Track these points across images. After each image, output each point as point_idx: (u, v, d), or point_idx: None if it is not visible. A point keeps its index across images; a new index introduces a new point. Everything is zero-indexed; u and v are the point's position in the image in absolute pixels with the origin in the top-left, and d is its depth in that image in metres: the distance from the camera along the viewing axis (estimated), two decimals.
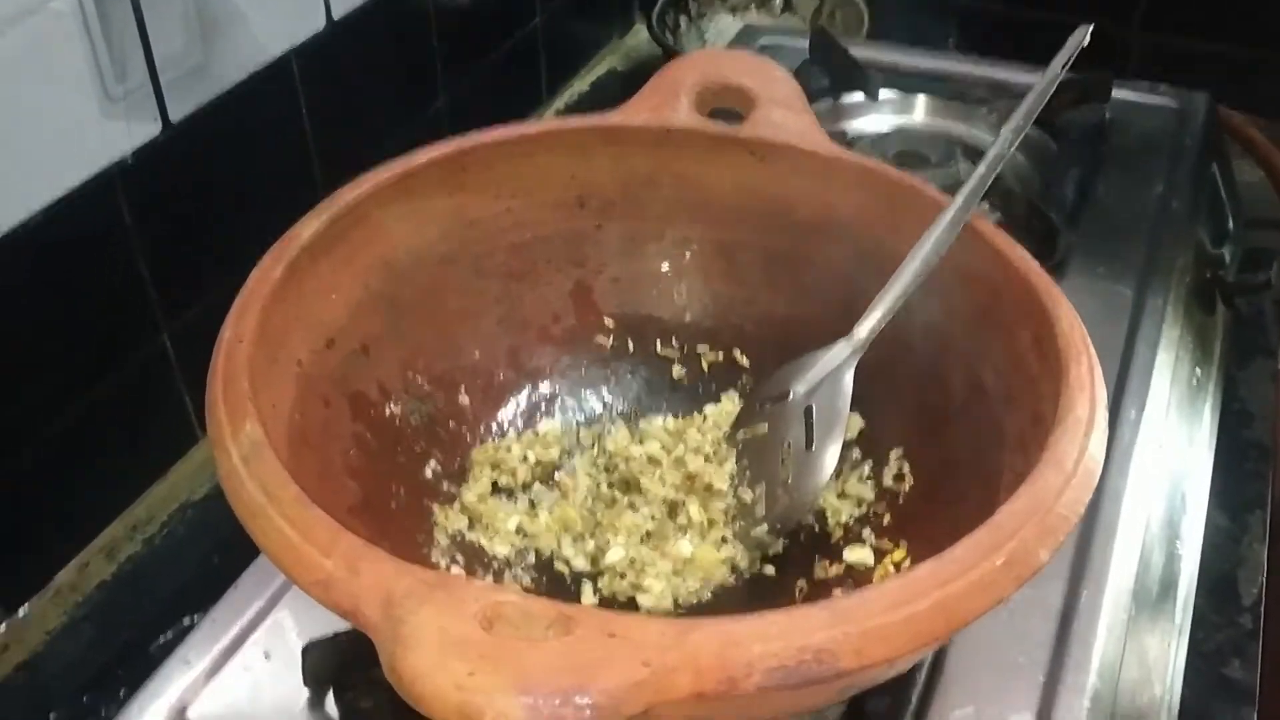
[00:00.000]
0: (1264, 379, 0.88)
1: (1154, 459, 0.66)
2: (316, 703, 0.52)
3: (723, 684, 0.34)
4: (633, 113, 0.59)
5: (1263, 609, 0.71)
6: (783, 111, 0.58)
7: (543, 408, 0.60)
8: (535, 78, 1.08)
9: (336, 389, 0.51)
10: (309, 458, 0.47)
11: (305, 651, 0.52)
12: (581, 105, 1.11)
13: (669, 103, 0.59)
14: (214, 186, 0.70)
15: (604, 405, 0.61)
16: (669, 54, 1.14)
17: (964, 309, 0.52)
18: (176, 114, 0.66)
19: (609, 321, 0.61)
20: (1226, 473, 0.77)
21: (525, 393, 0.59)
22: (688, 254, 0.61)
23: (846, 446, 0.56)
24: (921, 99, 0.92)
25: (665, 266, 0.61)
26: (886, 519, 0.53)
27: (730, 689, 0.34)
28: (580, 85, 1.15)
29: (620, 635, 0.33)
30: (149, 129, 0.65)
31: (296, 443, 0.47)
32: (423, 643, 0.32)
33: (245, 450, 0.40)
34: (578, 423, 0.60)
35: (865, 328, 0.53)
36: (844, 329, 0.56)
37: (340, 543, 0.37)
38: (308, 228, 0.51)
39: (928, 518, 0.51)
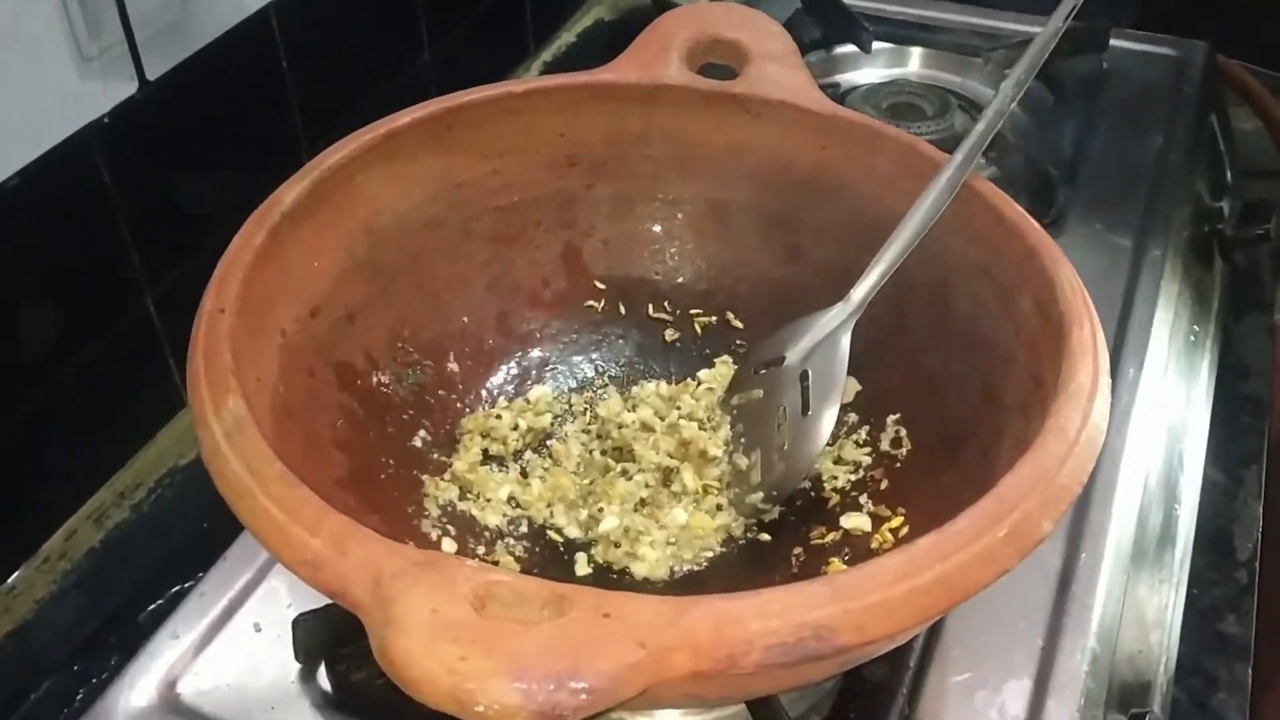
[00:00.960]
0: (1259, 332, 0.88)
1: (1152, 417, 0.66)
2: (308, 675, 0.52)
3: (721, 662, 0.33)
4: (622, 69, 0.57)
5: (1258, 564, 0.71)
6: (776, 67, 0.57)
7: (533, 374, 0.59)
8: (522, 29, 1.05)
9: (322, 359, 0.50)
10: (294, 430, 0.46)
11: (295, 624, 0.51)
12: (569, 56, 1.09)
13: (659, 58, 0.57)
14: (195, 145, 0.68)
15: (596, 370, 0.60)
16: (658, 3, 1.12)
17: (962, 270, 0.51)
18: (154, 72, 0.64)
19: (600, 285, 0.60)
20: (1222, 428, 0.76)
21: (515, 359, 0.58)
22: (680, 214, 0.60)
23: (843, 410, 0.55)
24: (916, 51, 0.90)
25: (657, 228, 0.60)
26: (884, 484, 0.52)
27: (729, 667, 0.33)
28: (568, 36, 1.13)
29: (615, 615, 0.32)
30: (126, 88, 0.63)
31: (281, 415, 0.46)
32: (413, 626, 0.31)
33: (228, 427, 0.39)
34: (569, 389, 0.59)
35: (861, 291, 0.52)
36: (840, 290, 0.55)
37: (327, 522, 0.36)
38: (290, 192, 0.49)
39: (926, 483, 0.50)
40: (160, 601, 0.62)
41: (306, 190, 0.49)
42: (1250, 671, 0.65)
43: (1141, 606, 0.60)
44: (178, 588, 0.61)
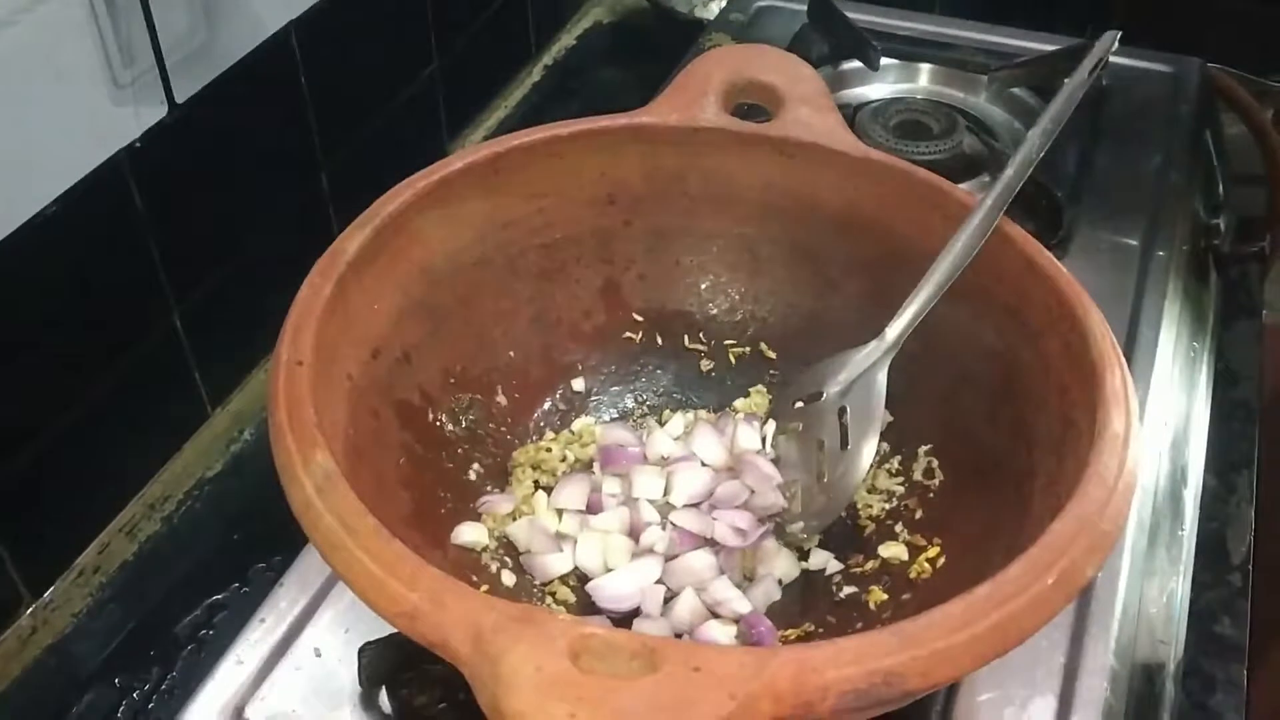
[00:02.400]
0: (1249, 339, 0.91)
1: (1159, 432, 0.69)
2: (370, 700, 0.54)
3: (800, 708, 0.36)
4: (662, 110, 0.59)
5: (1251, 567, 0.74)
6: (809, 110, 0.59)
7: (576, 405, 0.61)
8: (523, 32, 1.07)
9: (383, 399, 0.52)
10: (365, 472, 0.48)
11: (361, 652, 0.53)
12: (569, 59, 1.11)
13: (697, 100, 0.59)
14: (218, 163, 0.70)
15: (635, 400, 0.62)
16: (654, 5, 1.13)
17: (993, 312, 0.54)
18: (182, 95, 0.66)
19: (638, 317, 0.62)
20: (1215, 433, 0.79)
21: (559, 390, 0.61)
22: (714, 249, 0.62)
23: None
24: (924, 68, 0.92)
25: (692, 261, 0.62)
26: (918, 514, 0.55)
27: (807, 712, 0.36)
28: (567, 39, 1.14)
29: (705, 669, 0.35)
30: (156, 112, 0.64)
31: (353, 458, 0.48)
32: (522, 683, 0.34)
33: (319, 481, 0.41)
34: (611, 419, 0.61)
35: (896, 329, 0.54)
36: (869, 323, 0.57)
37: (424, 576, 0.38)
38: (353, 241, 0.51)
39: (960, 514, 0.53)
40: (197, 612, 0.64)
41: (369, 237, 0.51)
42: (1245, 672, 0.68)
43: (1151, 619, 0.63)
44: (213, 598, 0.63)
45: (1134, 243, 0.79)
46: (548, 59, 1.11)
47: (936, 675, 0.37)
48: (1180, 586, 0.69)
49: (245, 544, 0.68)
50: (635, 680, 0.34)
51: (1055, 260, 0.52)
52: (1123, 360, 0.48)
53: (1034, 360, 0.52)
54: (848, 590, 0.53)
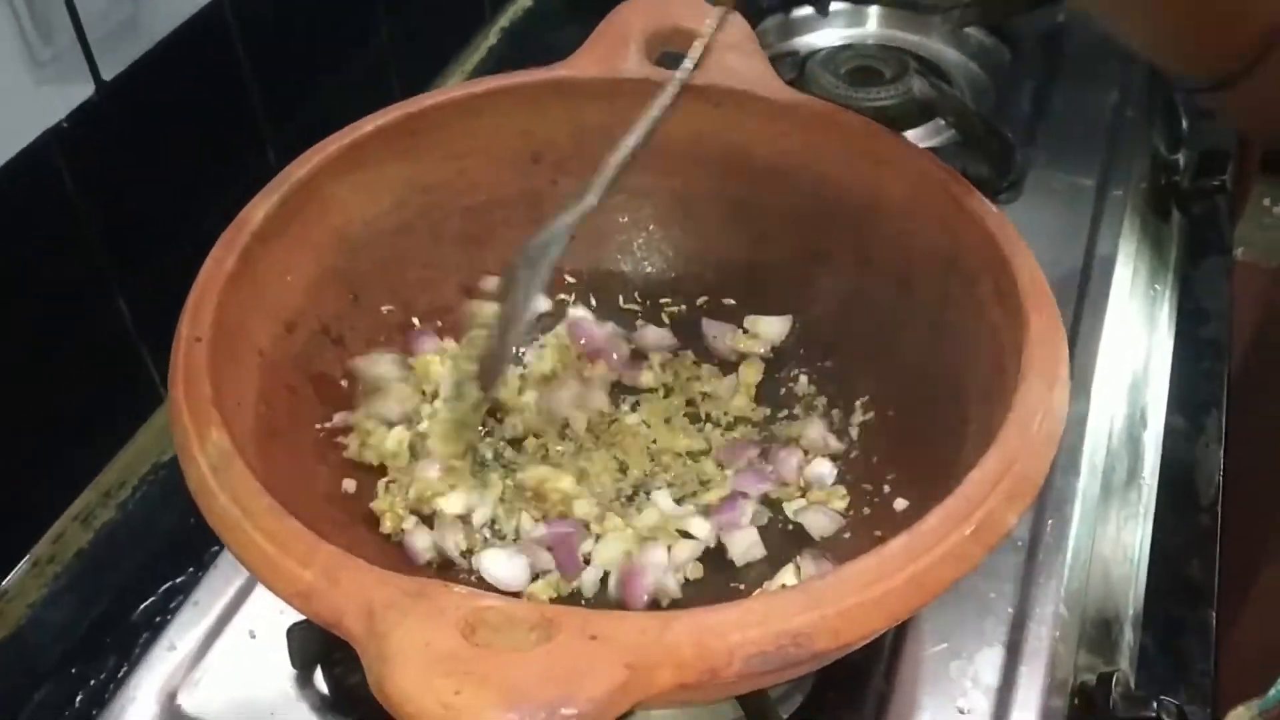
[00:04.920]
0: (1219, 276, 0.89)
1: (1115, 375, 0.67)
2: (305, 680, 0.53)
3: (704, 674, 0.34)
4: (581, 64, 0.58)
5: (1219, 508, 0.73)
6: (735, 55, 0.57)
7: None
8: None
9: (300, 373, 0.51)
10: (279, 450, 0.47)
11: (290, 633, 0.52)
12: (525, 23, 1.09)
13: (618, 51, 0.58)
14: (157, 142, 0.68)
15: None
16: None
17: (928, 257, 0.52)
18: (109, 72, 0.64)
19: (570, 279, 0.61)
20: (1183, 374, 0.78)
21: None
22: (646, 206, 0.61)
23: (811, 394, 0.56)
24: (873, 11, 0.90)
25: (624, 219, 0.61)
26: (859, 465, 0.54)
27: (712, 678, 0.35)
28: (523, 1, 1.12)
29: (602, 637, 0.34)
30: (82, 90, 0.63)
31: (264, 436, 0.46)
32: (408, 660, 0.33)
33: (213, 460, 0.40)
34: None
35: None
36: (805, 275, 0.56)
37: (319, 553, 0.37)
38: (258, 210, 0.50)
39: (900, 464, 0.52)
40: (153, 598, 0.63)
41: (276, 206, 0.50)
42: (1214, 614, 0.67)
43: (1108, 562, 0.62)
44: (169, 584, 0.62)
45: (1089, 182, 0.77)
46: (504, 22, 1.09)
47: (848, 634, 0.36)
48: (1140, 530, 0.68)
49: (201, 528, 0.65)
50: (528, 652, 0.33)
51: (986, 201, 0.50)
52: (1052, 302, 0.46)
53: (968, 304, 0.50)
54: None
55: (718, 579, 0.52)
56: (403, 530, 0.51)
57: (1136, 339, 0.73)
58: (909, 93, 0.81)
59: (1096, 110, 0.83)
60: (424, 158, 0.56)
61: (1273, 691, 0.72)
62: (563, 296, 0.61)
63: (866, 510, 0.52)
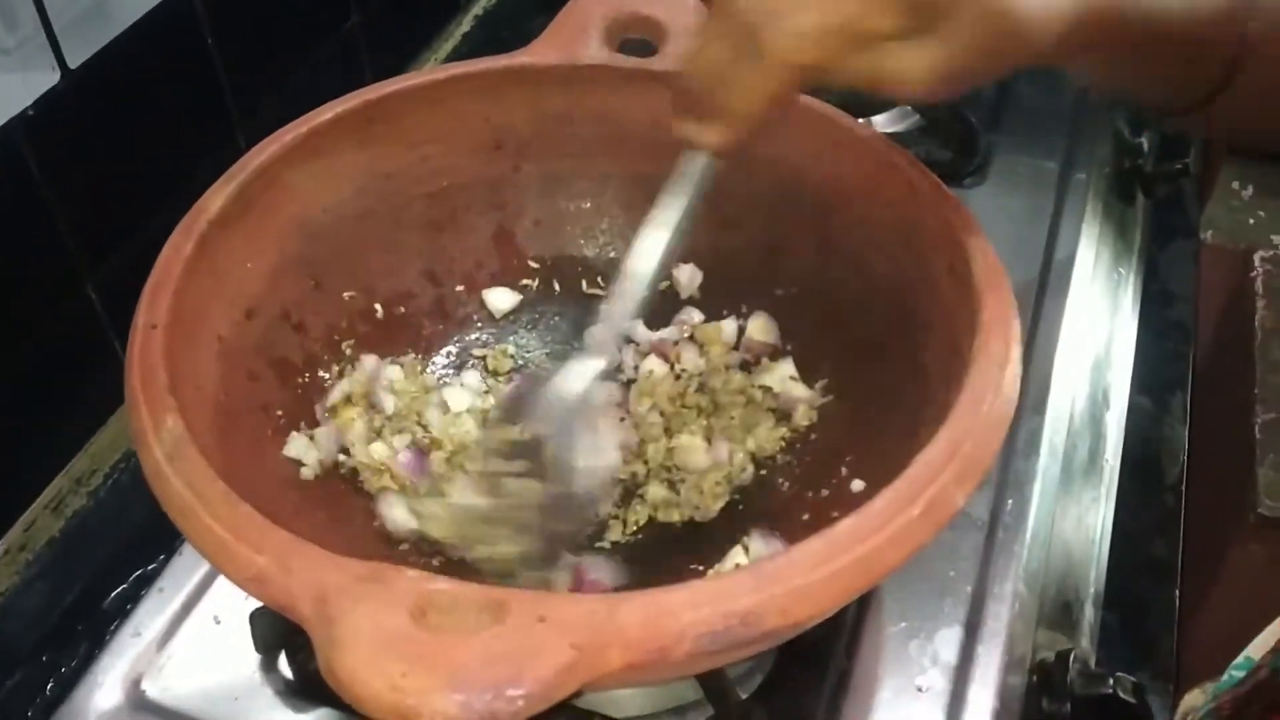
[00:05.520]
0: (1185, 259, 0.90)
1: (1076, 357, 0.68)
2: (269, 665, 0.53)
3: (654, 654, 0.35)
4: (542, 50, 0.58)
5: (1184, 487, 0.74)
6: None
7: (473, 357, 0.60)
8: None
9: (261, 360, 0.51)
10: (238, 435, 0.47)
11: (253, 618, 0.53)
12: (499, 10, 1.08)
13: (578, 38, 0.58)
14: (125, 130, 0.68)
15: (533, 349, 0.61)
16: None
17: (884, 238, 0.53)
18: (75, 59, 0.64)
19: (533, 264, 0.61)
20: (1148, 355, 0.78)
21: (453, 344, 0.59)
22: (608, 190, 0.61)
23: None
24: None
25: (586, 205, 0.61)
26: (818, 447, 0.54)
27: (661, 658, 0.35)
28: None
29: (550, 619, 0.34)
30: (47, 78, 0.62)
31: (224, 421, 0.47)
32: (356, 643, 0.33)
33: (168, 448, 0.40)
34: (510, 368, 0.60)
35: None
36: (767, 261, 0.56)
37: (271, 539, 0.37)
38: (215, 198, 0.50)
39: (860, 446, 0.52)
40: (124, 585, 0.63)
41: (233, 194, 0.50)
42: (1178, 594, 0.68)
43: (1069, 541, 0.63)
44: (140, 571, 0.62)
45: (1053, 166, 0.78)
46: (477, 9, 1.09)
47: (796, 614, 0.36)
48: (1103, 510, 0.68)
49: None
50: (476, 634, 0.33)
51: (941, 185, 0.51)
52: (1006, 284, 0.47)
53: (924, 287, 0.50)
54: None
55: (677, 562, 0.52)
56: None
57: (1099, 321, 0.74)
58: None
59: (1059, 95, 0.84)
60: (384, 145, 0.56)
61: (1226, 676, 0.73)
62: (526, 282, 0.61)
63: (825, 492, 0.52)
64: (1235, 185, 0.95)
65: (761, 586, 0.36)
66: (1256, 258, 0.97)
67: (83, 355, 0.68)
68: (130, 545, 0.65)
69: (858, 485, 0.51)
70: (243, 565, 0.37)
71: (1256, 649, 0.72)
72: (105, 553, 0.66)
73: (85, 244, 0.66)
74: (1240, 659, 0.73)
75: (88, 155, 0.65)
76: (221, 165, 0.55)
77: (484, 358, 0.60)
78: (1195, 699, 0.71)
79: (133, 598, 0.61)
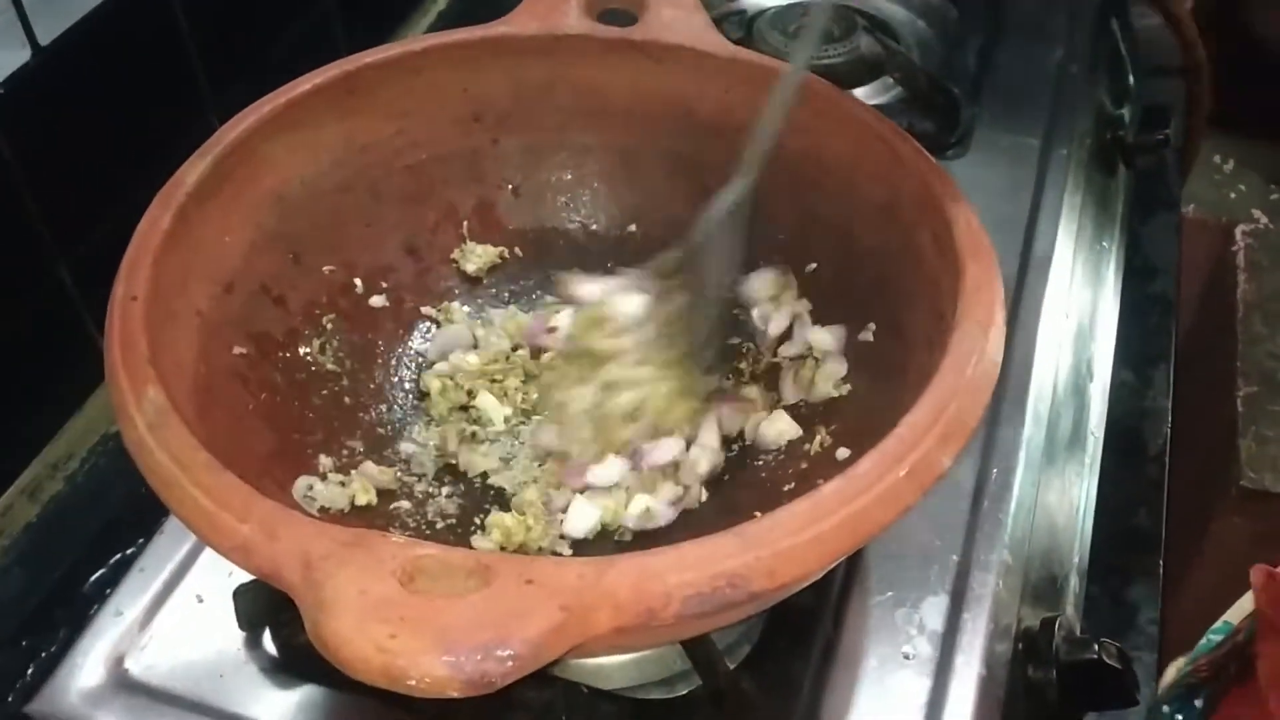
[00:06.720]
0: (1167, 232, 0.90)
1: (1059, 327, 0.68)
2: (253, 642, 0.53)
3: (641, 616, 0.35)
4: (521, 21, 0.57)
5: (1168, 459, 0.74)
6: (674, 11, 0.57)
7: (453, 331, 0.59)
8: None
9: (240, 334, 0.50)
10: (217, 409, 0.47)
11: (236, 595, 0.52)
12: None
13: (558, 7, 0.57)
14: (97, 107, 0.67)
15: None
16: None
17: (866, 208, 0.53)
18: (46, 36, 0.63)
19: (514, 236, 0.61)
20: (1131, 328, 0.79)
21: (438, 316, 0.59)
22: (589, 162, 0.60)
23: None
24: None
25: (568, 176, 0.61)
26: (801, 410, 0.54)
27: (649, 620, 0.35)
28: None
29: (538, 581, 0.34)
30: (18, 55, 0.62)
31: (203, 395, 0.46)
32: (343, 607, 0.33)
33: (150, 418, 0.40)
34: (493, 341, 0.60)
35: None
36: (750, 228, 0.56)
37: (256, 507, 0.37)
38: (192, 171, 0.49)
39: (843, 415, 0.52)
40: (103, 570, 0.62)
41: (210, 167, 0.49)
42: (1161, 563, 0.68)
43: (1053, 512, 0.63)
44: (120, 555, 0.61)
45: (1035, 139, 0.78)
46: None
47: (783, 575, 0.36)
48: (1087, 480, 0.68)
49: (151, 498, 0.66)
50: (464, 597, 0.33)
51: (924, 152, 0.51)
52: (989, 250, 0.47)
53: (907, 255, 0.50)
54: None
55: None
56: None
57: (1082, 293, 0.74)
58: (857, 51, 0.81)
59: (1041, 66, 0.84)
60: (362, 117, 0.55)
61: (1202, 641, 0.74)
62: (506, 253, 0.61)
63: (810, 461, 0.52)
64: (1217, 159, 0.95)
65: (749, 548, 0.36)
66: (1238, 231, 0.98)
67: (56, 338, 0.68)
68: (109, 529, 0.64)
69: (843, 453, 0.50)
70: (228, 534, 0.37)
71: (1235, 614, 0.73)
72: (84, 537, 0.65)
73: (57, 225, 0.65)
74: (1219, 624, 0.74)
75: (59, 134, 0.65)
76: (194, 143, 0.55)
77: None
78: (1180, 666, 0.72)
79: (112, 581, 0.60)
